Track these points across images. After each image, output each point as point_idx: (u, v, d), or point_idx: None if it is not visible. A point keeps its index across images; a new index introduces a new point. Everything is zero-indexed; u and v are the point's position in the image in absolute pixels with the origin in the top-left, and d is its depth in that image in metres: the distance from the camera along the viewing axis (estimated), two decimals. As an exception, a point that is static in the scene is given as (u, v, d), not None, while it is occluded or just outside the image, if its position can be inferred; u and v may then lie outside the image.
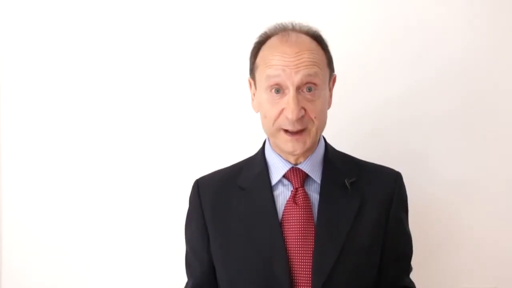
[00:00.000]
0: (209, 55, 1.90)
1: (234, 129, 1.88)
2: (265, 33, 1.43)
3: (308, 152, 1.40)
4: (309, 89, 1.34)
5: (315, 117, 1.35)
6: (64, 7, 1.93)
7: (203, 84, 1.90)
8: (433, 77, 1.84)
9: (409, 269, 1.49)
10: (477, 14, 1.84)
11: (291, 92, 1.32)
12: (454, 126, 1.84)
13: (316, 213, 1.36)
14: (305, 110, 1.34)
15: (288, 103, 1.32)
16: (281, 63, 1.33)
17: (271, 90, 1.35)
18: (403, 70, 1.85)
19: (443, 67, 1.84)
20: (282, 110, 1.34)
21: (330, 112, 1.43)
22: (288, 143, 1.36)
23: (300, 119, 1.33)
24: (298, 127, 1.34)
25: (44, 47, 1.94)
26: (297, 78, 1.32)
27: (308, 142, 1.36)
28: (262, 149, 1.47)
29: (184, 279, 1.52)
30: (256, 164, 1.45)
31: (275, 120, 1.35)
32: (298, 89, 1.33)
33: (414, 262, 1.51)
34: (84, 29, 1.93)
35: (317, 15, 1.83)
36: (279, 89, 1.34)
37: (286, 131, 1.35)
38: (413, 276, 1.51)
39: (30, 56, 1.95)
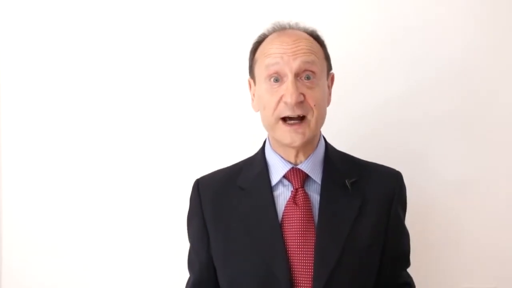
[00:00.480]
0: (209, 55, 1.90)
1: (234, 129, 1.88)
2: (263, 34, 1.45)
3: (308, 151, 1.40)
4: (308, 77, 1.35)
5: (314, 105, 1.35)
6: (63, 7, 1.94)
7: (202, 85, 1.90)
8: (433, 77, 1.84)
9: (407, 265, 1.50)
10: (477, 14, 1.84)
11: (289, 78, 1.34)
12: (454, 126, 1.84)
13: (317, 214, 1.36)
14: (304, 96, 1.34)
15: (287, 88, 1.33)
16: (279, 51, 1.35)
17: (270, 79, 1.36)
18: (403, 70, 1.84)
19: (443, 67, 1.84)
20: (281, 97, 1.34)
21: (330, 112, 1.43)
22: (286, 134, 1.35)
23: (300, 104, 1.33)
24: (298, 112, 1.34)
25: (43, 47, 1.94)
26: (295, 65, 1.34)
27: (308, 133, 1.35)
28: (262, 149, 1.47)
29: (183, 278, 1.52)
30: (256, 164, 1.45)
31: (274, 109, 1.35)
32: (297, 76, 1.35)
33: (414, 262, 1.51)
34: (84, 29, 1.93)
35: (317, 15, 1.83)
36: (277, 78, 1.36)
37: (285, 121, 1.35)
38: (413, 275, 1.51)
39: (30, 56, 1.95)
